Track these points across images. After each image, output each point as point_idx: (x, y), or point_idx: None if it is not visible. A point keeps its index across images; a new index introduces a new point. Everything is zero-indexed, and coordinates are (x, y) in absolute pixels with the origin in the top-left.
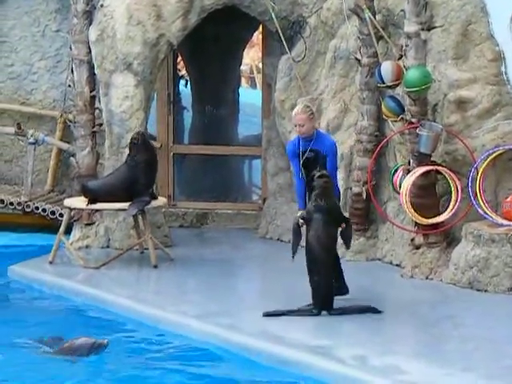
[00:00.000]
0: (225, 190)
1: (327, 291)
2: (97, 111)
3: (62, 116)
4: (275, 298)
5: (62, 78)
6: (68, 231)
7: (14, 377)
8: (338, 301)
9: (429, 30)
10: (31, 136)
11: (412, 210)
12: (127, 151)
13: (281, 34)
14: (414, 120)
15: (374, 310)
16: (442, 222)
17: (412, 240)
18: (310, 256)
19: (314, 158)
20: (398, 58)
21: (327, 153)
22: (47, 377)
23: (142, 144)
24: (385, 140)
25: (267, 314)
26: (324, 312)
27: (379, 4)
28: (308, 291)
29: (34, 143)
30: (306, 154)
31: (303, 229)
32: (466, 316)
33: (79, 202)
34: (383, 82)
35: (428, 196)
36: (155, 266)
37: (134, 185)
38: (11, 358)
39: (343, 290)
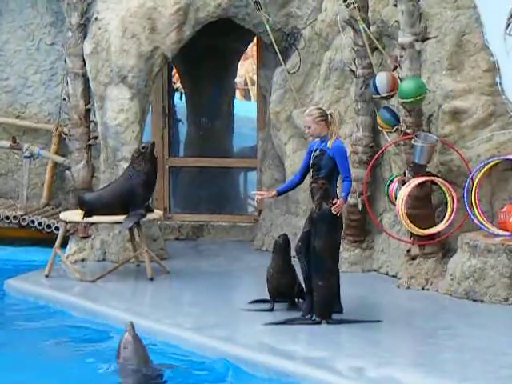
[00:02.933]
0: (220, 203)
1: (331, 298)
2: (92, 124)
3: (57, 129)
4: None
5: (56, 92)
6: (64, 245)
7: None
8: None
9: (423, 40)
10: (26, 149)
11: (408, 221)
12: (123, 164)
13: (275, 46)
14: (409, 131)
15: (372, 321)
16: (438, 233)
17: (408, 251)
18: (315, 263)
19: (319, 158)
20: (393, 68)
21: (334, 155)
22: None
23: (149, 154)
24: (380, 151)
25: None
26: (323, 321)
27: (373, 15)
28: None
29: (29, 157)
30: (314, 153)
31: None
32: (462, 326)
33: (75, 216)
34: (378, 93)
35: (424, 207)
36: (151, 279)
37: (132, 197)
38: None
39: (338, 308)
